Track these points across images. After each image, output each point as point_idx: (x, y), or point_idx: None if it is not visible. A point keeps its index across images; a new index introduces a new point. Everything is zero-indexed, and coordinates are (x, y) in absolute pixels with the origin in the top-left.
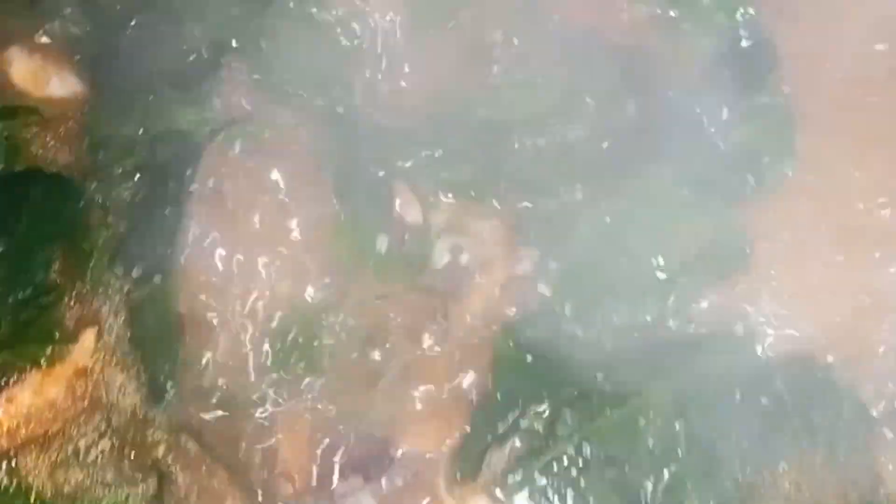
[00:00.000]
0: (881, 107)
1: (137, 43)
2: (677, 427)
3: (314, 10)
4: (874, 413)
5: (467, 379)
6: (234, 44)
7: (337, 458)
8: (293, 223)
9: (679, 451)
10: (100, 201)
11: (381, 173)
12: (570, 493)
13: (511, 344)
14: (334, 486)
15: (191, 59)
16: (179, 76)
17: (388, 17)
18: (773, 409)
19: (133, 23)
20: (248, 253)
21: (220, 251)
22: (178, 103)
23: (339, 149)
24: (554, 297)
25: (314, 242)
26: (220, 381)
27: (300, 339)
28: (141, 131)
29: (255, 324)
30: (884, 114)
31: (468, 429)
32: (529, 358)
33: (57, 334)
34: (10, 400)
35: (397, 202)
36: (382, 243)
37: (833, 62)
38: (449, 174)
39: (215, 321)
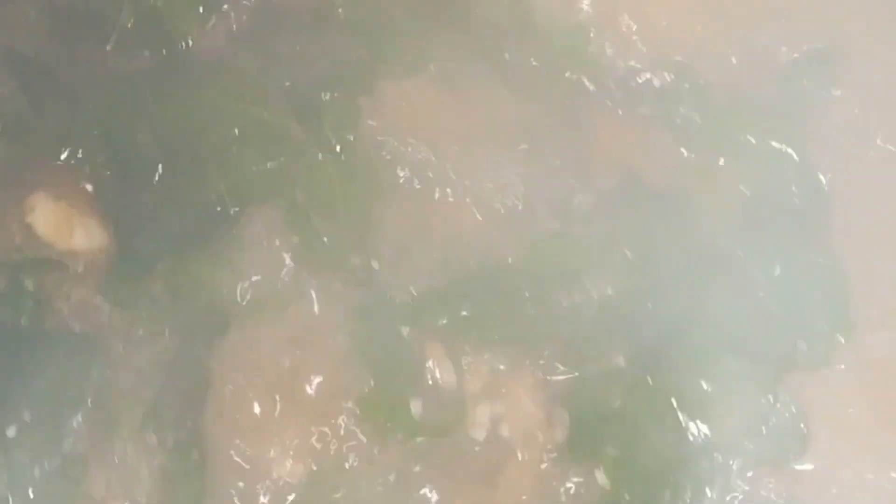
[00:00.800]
0: None
1: (163, 193)
2: None
3: (346, 156)
4: None
5: None
6: (263, 197)
7: None
8: (323, 389)
9: None
10: (127, 363)
11: (414, 333)
12: None
13: None
14: None
15: (217, 213)
16: (205, 232)
17: (422, 157)
18: None
19: (160, 171)
20: (278, 422)
21: (251, 420)
22: (204, 262)
23: (370, 308)
24: (608, 483)
25: (345, 408)
26: None
27: None
28: (166, 290)
29: (287, 498)
30: None
31: None
32: None
33: None
34: None
35: (430, 363)
36: (417, 408)
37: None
38: (483, 333)
39: (247, 495)
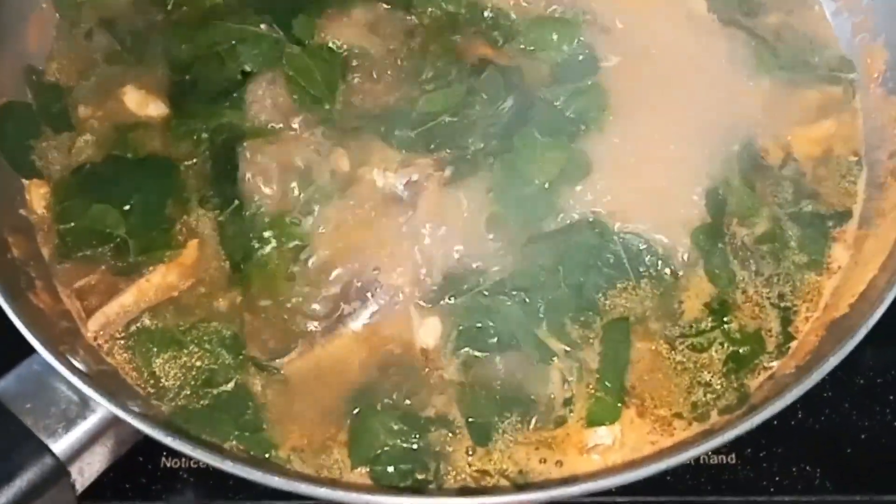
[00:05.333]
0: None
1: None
2: None
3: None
4: None
5: None
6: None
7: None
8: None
9: None
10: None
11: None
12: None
13: None
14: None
15: (235, 82)
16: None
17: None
18: None
19: (195, 69)
20: None
21: None
22: (228, 111)
23: None
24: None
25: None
26: None
27: None
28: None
29: None
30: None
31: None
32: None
33: None
34: None
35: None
36: None
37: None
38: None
39: None
